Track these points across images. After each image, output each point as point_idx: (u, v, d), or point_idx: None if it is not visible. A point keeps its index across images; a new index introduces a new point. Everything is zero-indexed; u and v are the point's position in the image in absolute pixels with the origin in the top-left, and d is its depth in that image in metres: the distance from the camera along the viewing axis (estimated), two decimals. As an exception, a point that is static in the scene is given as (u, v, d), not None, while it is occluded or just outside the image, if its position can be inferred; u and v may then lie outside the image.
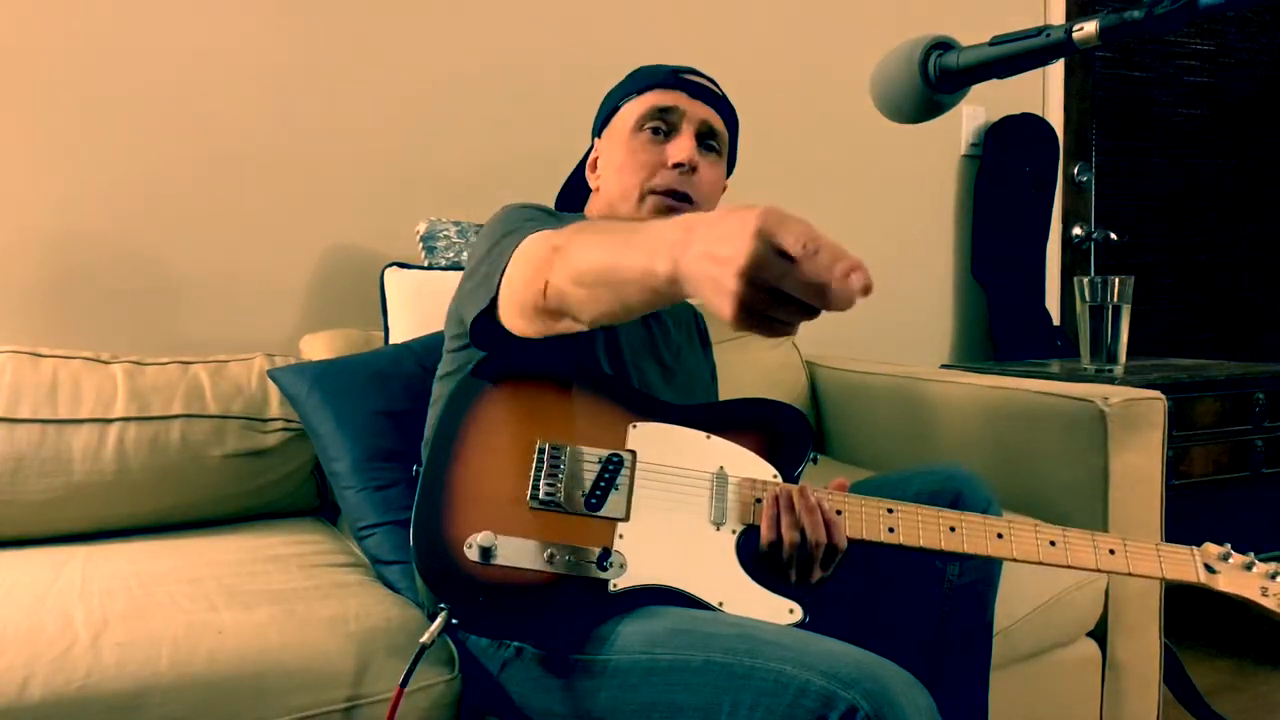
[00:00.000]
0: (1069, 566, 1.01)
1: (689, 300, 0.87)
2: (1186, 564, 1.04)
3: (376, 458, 1.32)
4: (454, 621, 0.91)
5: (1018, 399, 1.61)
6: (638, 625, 0.91)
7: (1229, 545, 1.05)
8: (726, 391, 1.33)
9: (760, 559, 0.98)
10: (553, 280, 0.83)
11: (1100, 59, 2.72)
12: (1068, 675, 1.46)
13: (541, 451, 1.00)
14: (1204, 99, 2.90)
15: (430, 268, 1.70)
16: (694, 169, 1.15)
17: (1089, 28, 0.62)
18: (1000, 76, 0.69)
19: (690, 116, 1.17)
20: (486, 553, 0.91)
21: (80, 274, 1.68)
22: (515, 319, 0.93)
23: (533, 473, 0.98)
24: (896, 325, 2.41)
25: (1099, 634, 1.48)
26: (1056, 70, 2.63)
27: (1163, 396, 1.51)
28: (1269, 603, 1.02)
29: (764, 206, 0.63)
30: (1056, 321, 2.61)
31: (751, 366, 1.97)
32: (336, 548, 1.37)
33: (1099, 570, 1.02)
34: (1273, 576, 1.03)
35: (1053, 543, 1.01)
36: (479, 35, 1.96)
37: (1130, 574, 1.02)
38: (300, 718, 0.95)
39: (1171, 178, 2.87)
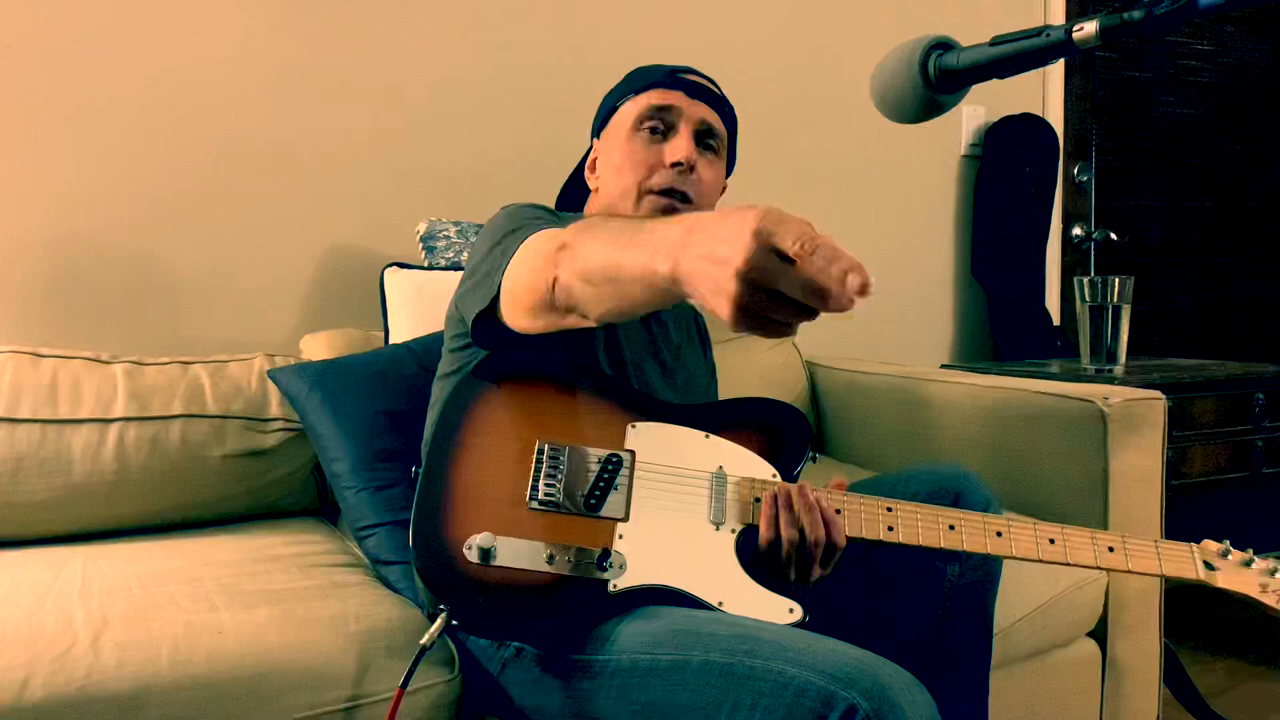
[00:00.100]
0: (1068, 564, 1.01)
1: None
2: (1185, 561, 1.04)
3: (376, 458, 1.32)
4: (454, 622, 0.91)
5: (1018, 399, 1.61)
6: (638, 625, 0.91)
7: (1228, 542, 1.05)
8: (726, 391, 1.33)
9: (760, 558, 0.98)
10: (561, 277, 0.83)
11: (1100, 59, 2.72)
12: (1067, 675, 1.46)
13: (541, 452, 1.00)
14: (1204, 99, 2.90)
15: (430, 268, 1.70)
16: (692, 168, 1.14)
17: (1089, 28, 0.62)
18: (1000, 77, 0.69)
19: (688, 116, 1.16)
20: (486, 554, 0.91)
21: (80, 274, 1.68)
22: (519, 316, 0.93)
23: (532, 473, 0.98)
24: (896, 325, 2.41)
25: (1099, 634, 1.48)
26: (1056, 70, 2.63)
27: (1163, 396, 1.51)
28: (1268, 599, 1.02)
29: (763, 207, 0.63)
30: (1056, 321, 2.61)
31: (751, 366, 1.97)
32: (336, 548, 1.37)
33: (1098, 568, 1.02)
34: (1272, 573, 1.03)
35: (1052, 540, 1.01)
36: (478, 35, 1.96)
37: (1129, 571, 1.02)
38: (300, 718, 0.95)
39: (1171, 178, 2.87)
